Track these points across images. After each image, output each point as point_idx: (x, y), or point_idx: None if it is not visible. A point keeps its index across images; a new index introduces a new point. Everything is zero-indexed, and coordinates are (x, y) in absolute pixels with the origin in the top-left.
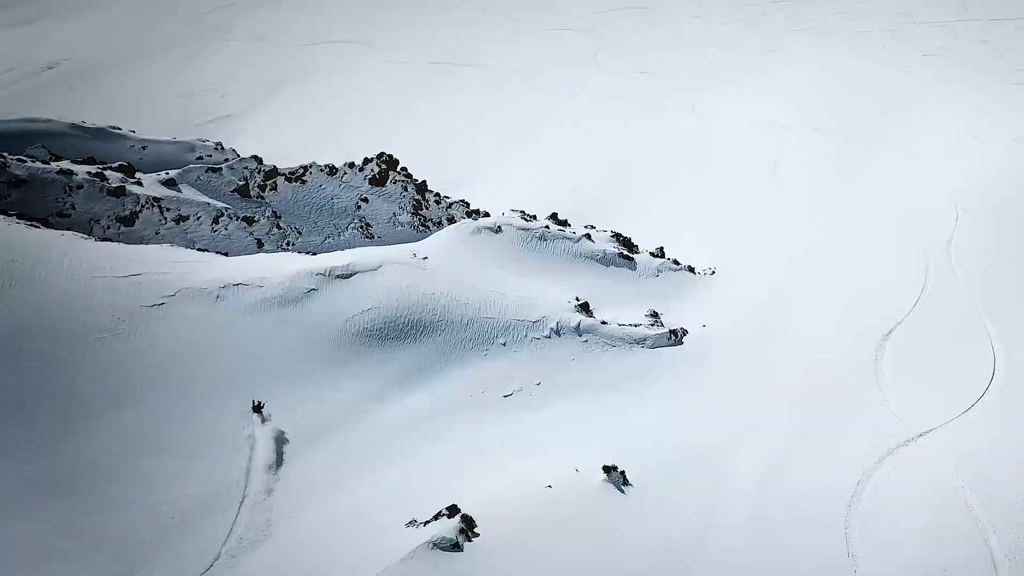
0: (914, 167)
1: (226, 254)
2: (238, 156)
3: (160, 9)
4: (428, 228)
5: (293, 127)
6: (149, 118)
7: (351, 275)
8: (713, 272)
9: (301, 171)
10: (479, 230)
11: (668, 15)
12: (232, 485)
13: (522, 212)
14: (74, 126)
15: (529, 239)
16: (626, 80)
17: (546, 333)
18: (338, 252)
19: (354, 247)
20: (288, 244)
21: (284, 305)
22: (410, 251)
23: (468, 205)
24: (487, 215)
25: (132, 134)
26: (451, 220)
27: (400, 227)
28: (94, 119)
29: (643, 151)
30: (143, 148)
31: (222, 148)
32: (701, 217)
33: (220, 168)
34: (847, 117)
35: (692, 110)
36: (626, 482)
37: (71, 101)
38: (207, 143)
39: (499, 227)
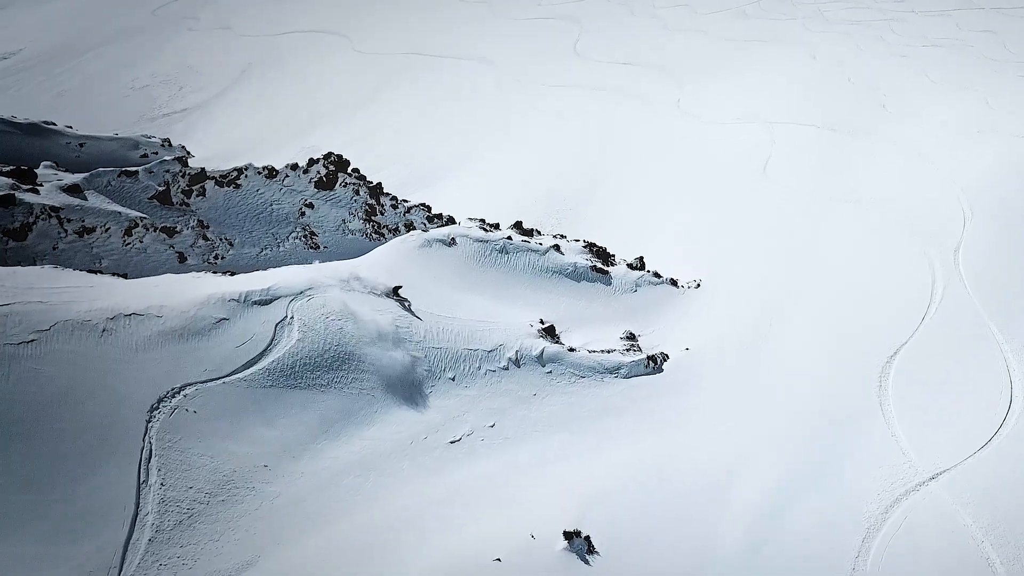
0: (915, 164)
1: (126, 276)
2: (187, 153)
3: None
4: (383, 235)
5: (252, 121)
6: (101, 112)
7: (271, 301)
8: (698, 285)
9: (235, 174)
10: (429, 243)
11: (652, 3)
12: (104, 570)
13: (481, 221)
14: (2, 121)
15: (488, 252)
16: (607, 71)
17: (503, 364)
18: (259, 273)
19: (295, 259)
20: (217, 258)
21: (186, 338)
22: (345, 270)
23: (429, 209)
24: (451, 220)
25: (68, 130)
26: (409, 226)
27: (350, 235)
28: (41, 113)
29: (624, 150)
30: (80, 145)
31: (169, 145)
32: (686, 222)
33: (136, 172)
34: (842, 111)
35: (677, 105)
36: (591, 550)
37: (20, 94)
38: (153, 139)
39: (452, 239)
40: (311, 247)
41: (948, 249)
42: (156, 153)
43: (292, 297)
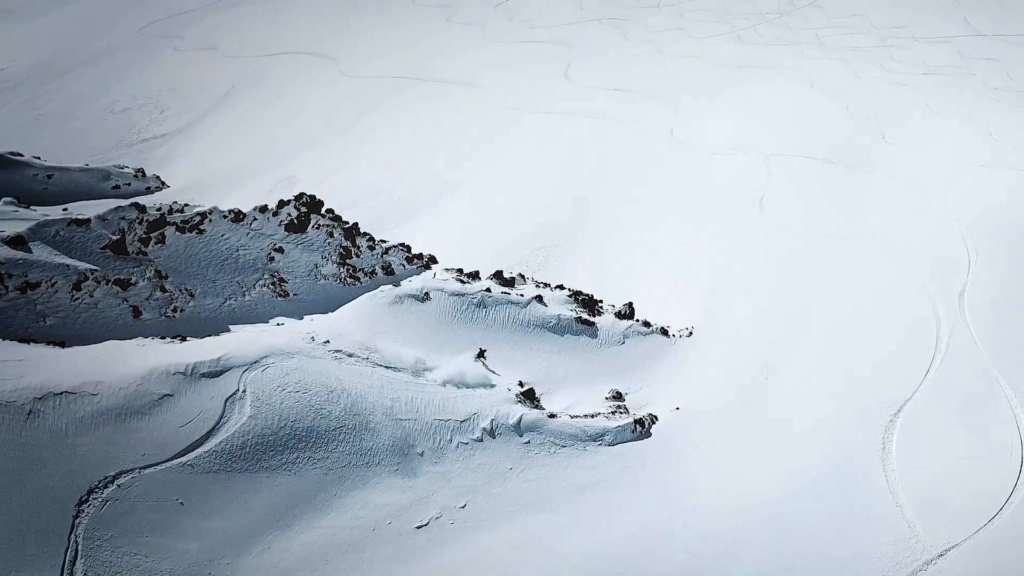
0: (917, 200)
1: (63, 344)
2: (161, 183)
3: (113, 14)
4: (358, 280)
5: (232, 148)
6: (78, 136)
7: (222, 373)
8: (690, 333)
9: (198, 219)
10: (400, 299)
11: (647, 26)
12: None
13: (459, 271)
14: None
15: (464, 307)
16: (599, 98)
17: (477, 435)
18: (211, 340)
19: (262, 308)
20: (175, 310)
21: (124, 419)
22: (307, 333)
23: (408, 249)
24: (432, 260)
25: (36, 161)
26: (387, 269)
27: (323, 280)
28: (17, 137)
29: (615, 180)
30: (48, 177)
31: (143, 175)
32: (679, 256)
33: (88, 220)
34: (841, 142)
35: (671, 134)
36: None
37: None
38: (126, 170)
39: (426, 293)
40: (279, 295)
41: (952, 293)
42: (129, 184)
43: (246, 367)
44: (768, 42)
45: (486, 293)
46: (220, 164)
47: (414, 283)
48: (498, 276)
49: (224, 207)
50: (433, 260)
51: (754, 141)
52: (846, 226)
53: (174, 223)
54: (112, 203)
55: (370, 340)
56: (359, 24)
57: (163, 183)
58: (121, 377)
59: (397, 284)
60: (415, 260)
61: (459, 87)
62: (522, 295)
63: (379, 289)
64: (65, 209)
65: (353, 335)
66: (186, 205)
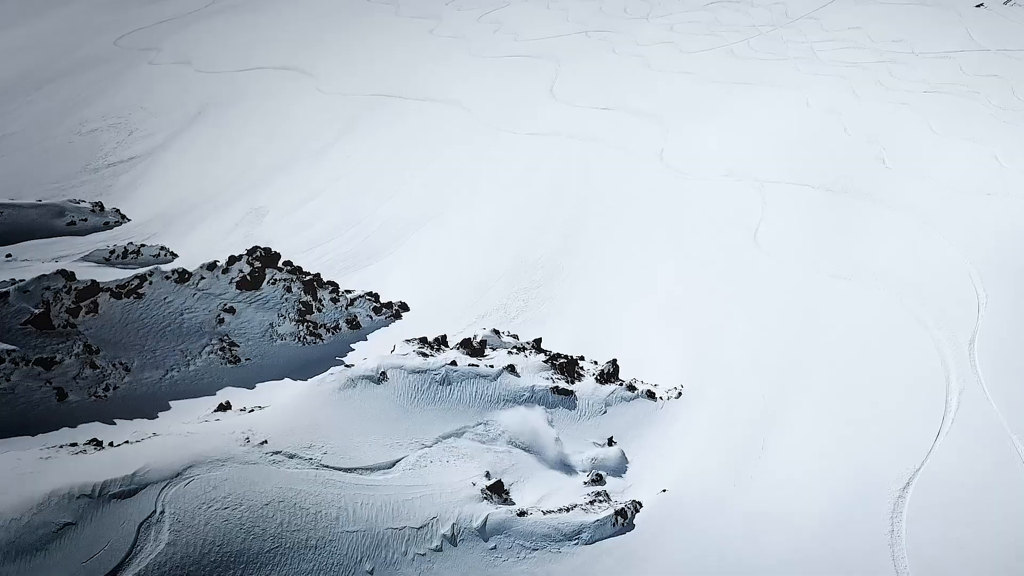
0: (920, 233)
1: None
2: (121, 217)
3: (90, 25)
4: (320, 337)
5: (201, 174)
6: (43, 159)
7: (136, 492)
8: (679, 394)
9: (136, 282)
10: (352, 382)
11: (635, 40)
12: None
13: (421, 341)
14: None
15: (426, 385)
16: (585, 117)
17: (435, 544)
18: (126, 448)
19: (209, 378)
20: (108, 389)
21: (14, 558)
22: (241, 433)
23: (376, 298)
24: (403, 308)
25: None
26: (352, 322)
27: (279, 341)
28: None
29: (600, 215)
30: None
31: (101, 209)
32: (669, 300)
33: (6, 293)
34: (839, 168)
35: (660, 157)
36: None
37: None
38: (82, 204)
39: (383, 373)
40: (229, 361)
41: (962, 341)
42: (86, 220)
43: (165, 483)
44: (761, 57)
45: (451, 367)
46: (188, 191)
47: (369, 362)
48: (466, 345)
49: (187, 243)
50: (404, 308)
51: (747, 166)
52: (846, 263)
53: (108, 289)
54: (59, 243)
55: (316, 435)
56: (339, 36)
57: (123, 217)
58: (13, 505)
59: (349, 366)
60: (384, 310)
61: (440, 105)
62: (492, 366)
63: (328, 372)
64: (9, 256)
65: (296, 431)
66: (143, 245)
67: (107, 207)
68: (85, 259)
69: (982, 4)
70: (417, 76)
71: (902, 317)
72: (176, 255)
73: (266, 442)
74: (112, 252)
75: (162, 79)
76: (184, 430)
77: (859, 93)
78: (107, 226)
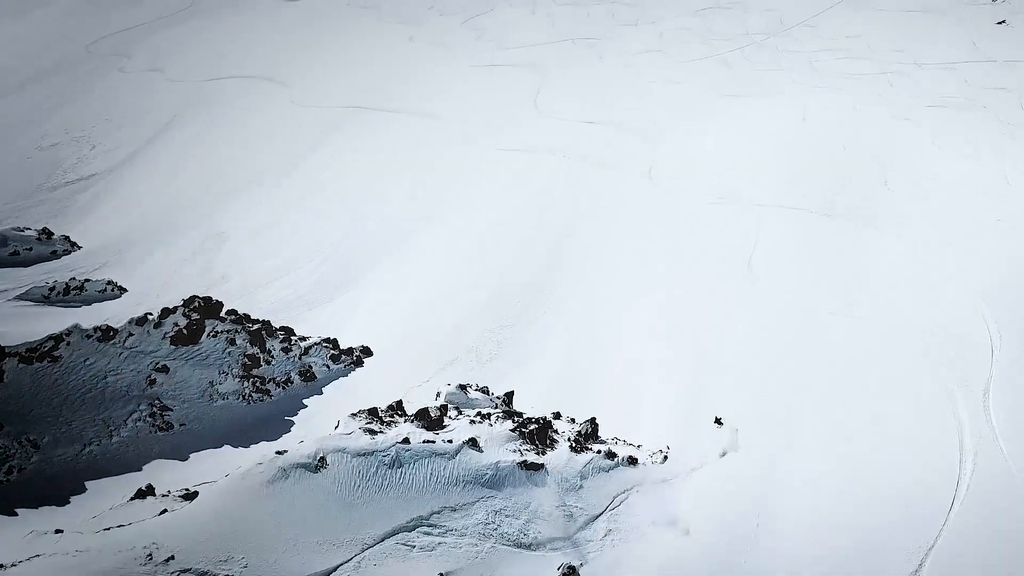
0: (926, 263)
1: None
2: (71, 245)
3: (59, 29)
4: (268, 393)
5: (161, 193)
6: None
7: None
8: (665, 458)
9: (50, 344)
10: (284, 473)
11: (623, 48)
12: None
13: (369, 415)
14: None
15: (374, 470)
16: (571, 131)
17: None
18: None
19: (135, 449)
20: (12, 472)
21: None
22: (142, 548)
23: (335, 345)
24: (365, 352)
25: None
26: (306, 374)
27: (220, 401)
28: None
29: (583, 243)
30: None
31: (48, 237)
32: (653, 345)
33: None
34: (838, 190)
35: (648, 175)
36: None
37: None
38: (27, 233)
39: (321, 459)
40: (161, 428)
41: (976, 390)
42: (31, 249)
43: None
44: (756, 67)
45: (402, 447)
46: (146, 212)
47: (305, 446)
48: (422, 416)
49: (139, 274)
50: (367, 353)
51: (741, 186)
52: (846, 297)
53: (16, 353)
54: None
55: (236, 544)
56: (316, 42)
57: (73, 245)
58: None
59: (281, 452)
60: (343, 357)
61: (418, 119)
62: (450, 440)
63: (255, 463)
64: None
65: (211, 540)
66: (87, 280)
67: (58, 232)
68: (21, 298)
69: (1004, 21)
70: (394, 86)
71: (910, 360)
72: (125, 290)
73: (173, 558)
74: (52, 289)
75: (131, 88)
76: (74, 546)
77: (858, 107)
78: (54, 255)
